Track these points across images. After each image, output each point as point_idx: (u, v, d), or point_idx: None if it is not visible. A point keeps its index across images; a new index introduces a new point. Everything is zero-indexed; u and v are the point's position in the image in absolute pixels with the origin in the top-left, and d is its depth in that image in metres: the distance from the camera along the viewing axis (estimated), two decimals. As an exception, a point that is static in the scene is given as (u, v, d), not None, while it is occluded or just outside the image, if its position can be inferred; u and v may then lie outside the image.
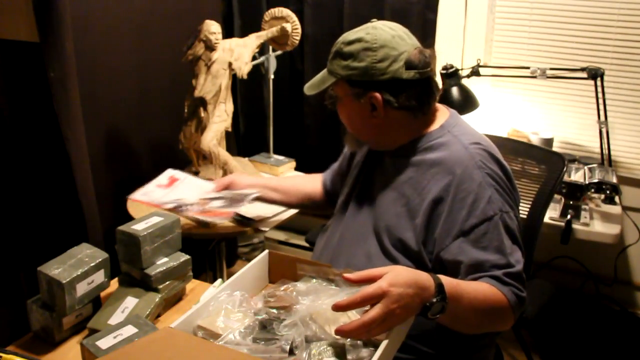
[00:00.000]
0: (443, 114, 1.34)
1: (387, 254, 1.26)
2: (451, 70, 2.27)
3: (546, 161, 1.77)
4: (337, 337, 1.01)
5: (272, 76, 2.43)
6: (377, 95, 1.25)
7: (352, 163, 1.50)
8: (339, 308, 0.94)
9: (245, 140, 2.97)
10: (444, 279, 1.02)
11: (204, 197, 1.68)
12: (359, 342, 1.02)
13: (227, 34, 2.68)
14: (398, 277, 0.96)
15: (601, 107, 2.21)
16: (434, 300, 0.99)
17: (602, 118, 2.22)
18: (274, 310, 1.06)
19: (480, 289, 1.12)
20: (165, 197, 1.70)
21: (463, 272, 1.18)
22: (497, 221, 1.17)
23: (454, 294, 1.03)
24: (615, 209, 2.09)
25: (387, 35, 1.24)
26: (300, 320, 1.01)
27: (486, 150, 1.25)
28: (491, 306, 1.12)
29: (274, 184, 1.70)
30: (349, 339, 1.01)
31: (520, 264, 1.19)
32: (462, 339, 1.25)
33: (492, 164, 1.23)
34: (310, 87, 1.38)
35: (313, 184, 1.69)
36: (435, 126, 1.31)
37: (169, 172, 1.84)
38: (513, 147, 1.84)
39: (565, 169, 1.69)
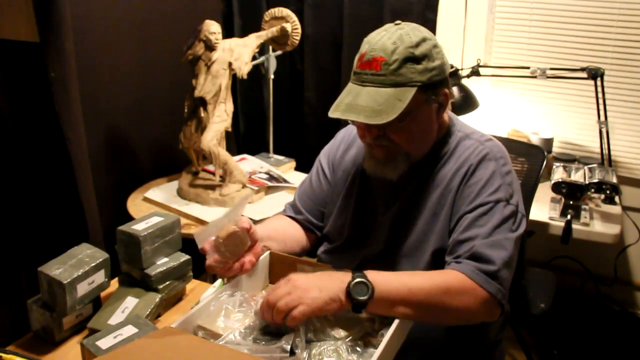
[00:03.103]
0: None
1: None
2: (451, 70, 2.27)
3: (526, 154, 1.80)
4: (338, 337, 1.01)
5: (272, 76, 2.43)
6: (447, 91, 1.22)
7: (333, 180, 1.42)
8: (262, 313, 1.04)
9: (245, 140, 2.97)
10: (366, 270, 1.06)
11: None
12: (359, 342, 1.02)
13: (227, 34, 2.68)
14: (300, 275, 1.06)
15: (601, 107, 2.21)
16: (354, 279, 1.02)
17: (602, 118, 2.22)
18: None
19: (425, 274, 1.13)
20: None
21: (450, 248, 1.18)
22: (500, 207, 1.18)
23: (379, 276, 1.05)
24: (615, 209, 2.09)
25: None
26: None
27: (498, 145, 1.28)
28: (444, 288, 1.09)
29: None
30: (349, 340, 1.02)
31: (503, 235, 1.17)
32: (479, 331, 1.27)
33: (508, 159, 1.26)
34: (373, 114, 1.11)
35: (297, 229, 1.44)
36: (445, 129, 1.30)
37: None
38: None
39: (545, 161, 1.72)
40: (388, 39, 1.15)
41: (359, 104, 1.14)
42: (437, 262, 1.22)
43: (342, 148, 1.43)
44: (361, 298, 1.01)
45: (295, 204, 1.46)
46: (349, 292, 1.02)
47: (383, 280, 1.05)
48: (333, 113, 1.17)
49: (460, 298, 1.09)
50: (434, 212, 1.24)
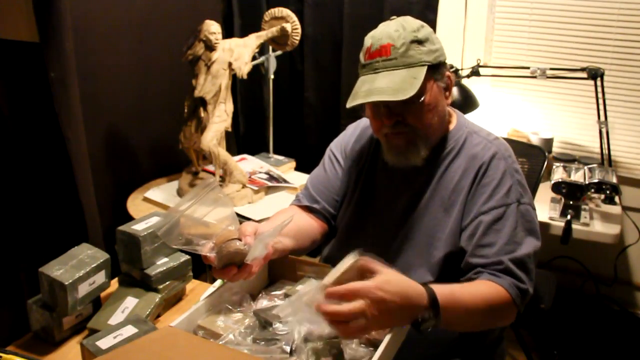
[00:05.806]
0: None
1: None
2: (451, 70, 2.27)
3: (526, 154, 1.80)
4: (337, 337, 1.01)
5: (272, 76, 2.43)
6: (449, 73, 1.27)
7: (345, 169, 1.42)
8: (329, 294, 0.94)
9: (245, 140, 2.97)
10: (438, 291, 1.01)
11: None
12: (358, 341, 1.02)
13: (227, 34, 2.68)
14: (389, 283, 0.95)
15: (601, 107, 2.21)
16: (427, 316, 0.99)
17: (602, 118, 2.22)
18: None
19: (479, 291, 1.12)
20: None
21: (470, 251, 1.19)
22: (513, 209, 1.20)
23: (449, 305, 1.02)
24: (615, 209, 2.09)
25: None
26: (298, 320, 1.01)
27: (505, 144, 1.31)
28: (491, 305, 1.12)
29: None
30: (348, 339, 1.02)
31: (525, 251, 1.18)
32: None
33: (514, 157, 1.29)
34: (395, 93, 1.15)
35: (309, 221, 1.40)
36: (453, 123, 1.33)
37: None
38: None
39: (545, 161, 1.71)
40: (390, 28, 1.21)
41: (377, 87, 1.17)
42: (449, 260, 1.23)
43: (353, 140, 1.44)
44: (425, 329, 1.00)
45: (311, 193, 1.42)
46: (418, 322, 0.99)
47: (451, 305, 1.02)
48: (352, 102, 1.19)
49: (501, 314, 1.16)
50: (445, 208, 1.25)
